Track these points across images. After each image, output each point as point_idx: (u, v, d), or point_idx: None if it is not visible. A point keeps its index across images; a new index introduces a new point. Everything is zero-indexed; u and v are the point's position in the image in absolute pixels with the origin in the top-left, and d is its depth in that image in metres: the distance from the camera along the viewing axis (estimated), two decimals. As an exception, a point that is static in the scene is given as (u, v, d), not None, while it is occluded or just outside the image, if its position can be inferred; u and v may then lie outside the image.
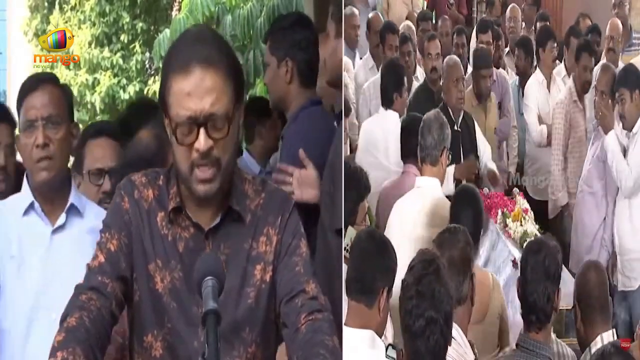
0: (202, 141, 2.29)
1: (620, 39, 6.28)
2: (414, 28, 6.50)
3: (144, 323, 2.41)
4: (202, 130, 2.29)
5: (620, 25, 6.31)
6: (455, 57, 5.70)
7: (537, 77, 6.31)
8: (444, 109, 5.28)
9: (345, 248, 3.37)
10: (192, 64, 2.30)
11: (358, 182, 3.76)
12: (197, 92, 2.29)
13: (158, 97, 2.39)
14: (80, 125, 3.34)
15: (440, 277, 2.68)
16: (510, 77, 6.46)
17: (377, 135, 5.32)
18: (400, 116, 5.22)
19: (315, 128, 3.70)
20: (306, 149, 3.58)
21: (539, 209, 5.70)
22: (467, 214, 3.97)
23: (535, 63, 6.45)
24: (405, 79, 5.48)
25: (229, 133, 2.33)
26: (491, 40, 6.33)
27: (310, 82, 3.84)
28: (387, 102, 5.36)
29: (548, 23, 6.68)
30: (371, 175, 3.92)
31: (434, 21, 7.03)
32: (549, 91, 6.22)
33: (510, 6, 6.99)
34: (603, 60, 6.09)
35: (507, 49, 6.76)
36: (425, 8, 7.27)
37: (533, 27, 6.90)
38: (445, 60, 5.67)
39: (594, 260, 4.32)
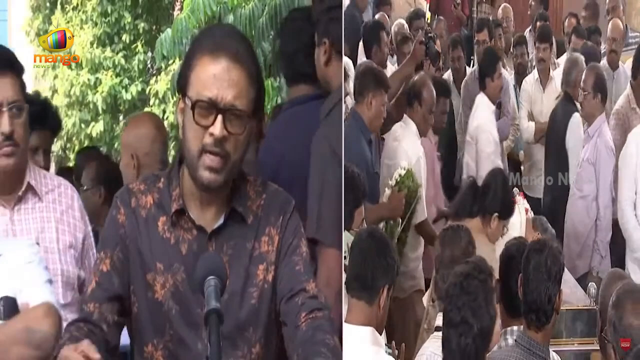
0: (217, 126, 2.29)
1: (622, 40, 6.28)
2: (407, 26, 6.51)
3: (144, 334, 2.43)
4: (219, 117, 2.29)
5: (622, 27, 6.30)
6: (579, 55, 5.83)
7: (533, 76, 6.33)
8: (567, 97, 5.73)
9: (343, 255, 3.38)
10: (223, 52, 2.31)
11: (356, 187, 3.76)
12: (223, 78, 2.30)
13: (178, 77, 2.40)
14: (83, 126, 3.26)
15: (487, 289, 2.79)
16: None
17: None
18: (494, 102, 5.73)
19: (297, 128, 3.70)
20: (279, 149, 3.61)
21: (533, 205, 5.70)
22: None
23: (534, 63, 6.46)
24: (500, 64, 5.80)
25: (244, 132, 2.33)
26: (487, 40, 6.31)
27: (297, 79, 3.80)
28: (481, 86, 5.73)
29: (547, 22, 6.68)
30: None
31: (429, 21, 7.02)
32: (544, 90, 6.22)
33: (502, 6, 6.98)
34: (603, 61, 6.10)
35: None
36: (427, 8, 7.25)
37: (532, 28, 6.90)
38: (570, 57, 5.87)
39: (619, 270, 4.31)
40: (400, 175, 4.67)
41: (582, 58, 5.78)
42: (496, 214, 4.39)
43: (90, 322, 2.36)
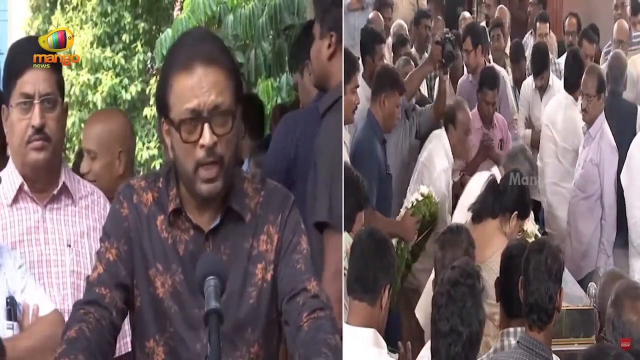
0: (207, 136, 2.29)
1: (628, 41, 6.29)
2: (406, 27, 6.50)
3: (146, 328, 2.42)
4: (206, 126, 2.29)
5: (628, 28, 6.31)
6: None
7: (532, 80, 6.29)
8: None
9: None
10: (195, 62, 2.31)
11: (358, 191, 3.77)
12: (200, 85, 2.30)
13: (156, 101, 2.40)
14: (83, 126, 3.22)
15: (475, 294, 2.78)
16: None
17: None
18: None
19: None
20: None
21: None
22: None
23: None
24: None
25: (232, 129, 2.34)
26: (471, 48, 6.25)
27: None
28: (571, 87, 5.76)
29: (548, 24, 6.68)
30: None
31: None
32: (542, 97, 6.21)
33: (498, 7, 6.98)
34: (606, 62, 6.10)
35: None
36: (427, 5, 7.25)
37: (533, 28, 6.90)
38: (615, 55, 5.94)
39: (617, 270, 4.30)
40: (417, 200, 4.68)
41: (623, 54, 5.81)
42: (515, 212, 4.40)
43: (102, 305, 2.35)
